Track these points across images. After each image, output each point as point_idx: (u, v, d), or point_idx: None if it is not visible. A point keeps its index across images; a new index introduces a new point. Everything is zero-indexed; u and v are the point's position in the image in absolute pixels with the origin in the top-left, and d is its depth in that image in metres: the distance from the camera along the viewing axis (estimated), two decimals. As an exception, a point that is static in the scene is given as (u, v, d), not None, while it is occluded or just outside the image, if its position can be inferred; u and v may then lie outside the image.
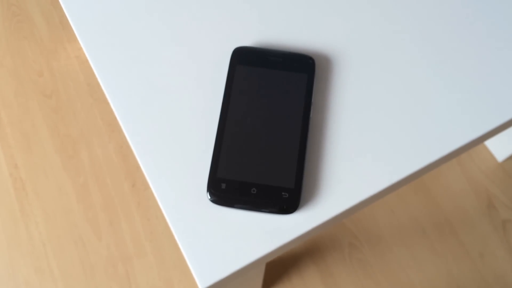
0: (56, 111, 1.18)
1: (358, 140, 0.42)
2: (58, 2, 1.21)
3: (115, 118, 1.11)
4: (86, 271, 1.04)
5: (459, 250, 1.06)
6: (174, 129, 0.42)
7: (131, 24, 0.46)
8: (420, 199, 1.11)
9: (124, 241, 1.07)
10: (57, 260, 1.05)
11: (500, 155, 1.15)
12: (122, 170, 1.12)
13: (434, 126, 0.42)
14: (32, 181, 1.11)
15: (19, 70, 1.21)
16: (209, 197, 0.38)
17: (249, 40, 0.45)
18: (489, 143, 1.17)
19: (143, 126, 0.42)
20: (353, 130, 0.42)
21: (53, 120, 1.17)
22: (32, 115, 1.17)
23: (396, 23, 0.47)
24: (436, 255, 1.06)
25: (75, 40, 1.20)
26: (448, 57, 0.45)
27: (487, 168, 1.13)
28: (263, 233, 0.38)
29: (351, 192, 0.40)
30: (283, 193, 0.38)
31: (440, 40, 0.46)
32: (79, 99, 1.19)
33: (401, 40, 0.46)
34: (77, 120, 1.17)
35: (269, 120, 0.40)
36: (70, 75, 1.21)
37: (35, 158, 1.13)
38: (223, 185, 0.38)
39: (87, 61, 1.16)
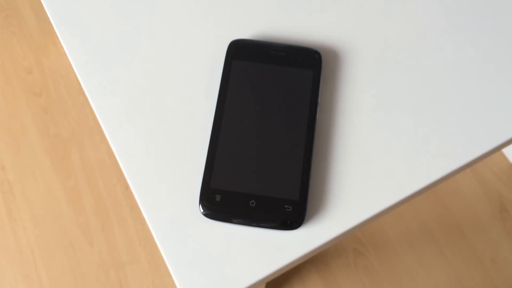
0: (46, 110, 1.18)
1: (370, 146, 0.40)
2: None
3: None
4: (76, 279, 1.05)
5: (469, 256, 1.07)
6: (162, 133, 0.40)
7: (115, 17, 0.45)
8: (429, 202, 1.11)
9: (117, 247, 1.07)
10: (46, 268, 1.05)
11: (512, 156, 1.16)
12: (114, 172, 1.13)
13: (453, 131, 0.41)
14: (20, 183, 1.12)
15: (7, 67, 1.22)
16: (202, 211, 0.36)
17: (247, 32, 0.44)
18: (501, 143, 1.16)
19: (127, 130, 0.40)
20: (364, 134, 0.40)
21: (42, 119, 1.17)
22: (21, 114, 1.18)
23: (412, 14, 0.45)
24: (446, 261, 1.07)
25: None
26: (470, 53, 0.44)
27: (499, 170, 1.14)
28: (263, 251, 0.37)
29: (362, 205, 0.38)
30: (286, 206, 0.36)
31: (462, 35, 0.44)
32: (70, 97, 1.19)
33: (418, 33, 0.44)
34: (68, 119, 1.17)
35: (270, 122, 0.39)
36: (60, 72, 1.22)
37: (23, 160, 1.14)
38: (218, 197, 0.36)
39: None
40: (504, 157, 1.16)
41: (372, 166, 0.39)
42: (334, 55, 0.43)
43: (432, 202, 1.11)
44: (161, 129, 0.40)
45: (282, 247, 0.37)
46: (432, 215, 1.10)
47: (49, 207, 1.10)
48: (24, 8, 1.28)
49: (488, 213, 1.10)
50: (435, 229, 1.09)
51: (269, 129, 0.38)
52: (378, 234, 1.08)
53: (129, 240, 1.08)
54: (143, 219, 1.10)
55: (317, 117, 0.39)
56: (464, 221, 1.09)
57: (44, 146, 1.15)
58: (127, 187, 1.12)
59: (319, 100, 0.40)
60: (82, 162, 1.14)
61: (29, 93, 1.19)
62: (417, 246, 1.08)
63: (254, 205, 0.36)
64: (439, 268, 1.06)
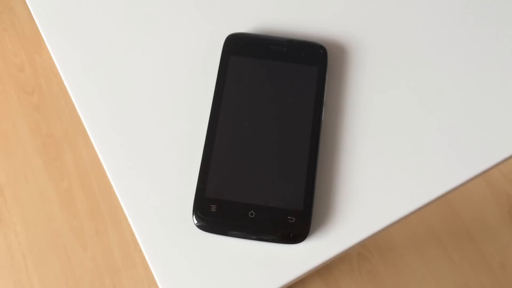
0: (38, 109, 1.19)
1: (380, 150, 0.39)
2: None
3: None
4: (70, 285, 1.06)
5: (478, 260, 1.08)
6: (152, 136, 0.39)
7: (103, 10, 0.44)
8: (436, 205, 1.12)
9: (112, 251, 1.08)
10: (39, 273, 1.06)
11: (522, 156, 1.15)
12: (109, 174, 1.15)
13: (469, 135, 0.40)
14: (11, 185, 1.13)
15: (-2, 65, 1.26)
16: (196, 222, 0.35)
17: (245, 25, 0.43)
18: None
19: (114, 131, 0.39)
20: (374, 137, 0.39)
21: (34, 119, 1.18)
22: (12, 113, 1.19)
23: (426, 5, 0.44)
24: (453, 266, 1.07)
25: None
26: (491, 50, 0.42)
27: (508, 171, 1.14)
28: (263, 267, 0.35)
29: (372, 216, 0.37)
30: (289, 217, 0.35)
31: (480, 30, 0.43)
32: (63, 96, 1.21)
33: (433, 26, 0.43)
34: (61, 119, 1.19)
35: (271, 124, 0.38)
36: (53, 70, 1.23)
37: (15, 161, 1.15)
38: (213, 207, 0.35)
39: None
40: (513, 158, 1.17)
41: (382, 172, 0.38)
42: (341, 51, 0.42)
43: (438, 204, 1.12)
44: (151, 132, 0.39)
45: (284, 262, 0.35)
46: (439, 218, 1.11)
47: (41, 210, 1.11)
48: (16, 4, 1.29)
49: (496, 216, 1.11)
50: (442, 232, 1.10)
51: (269, 132, 0.37)
52: (383, 237, 1.09)
53: (125, 244, 1.08)
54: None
55: (322, 119, 0.38)
56: (472, 224, 1.10)
57: (36, 146, 1.16)
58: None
59: (324, 99, 0.39)
60: (76, 163, 1.15)
61: (21, 92, 1.21)
62: (424, 250, 1.08)
63: (253, 216, 0.35)
64: (447, 273, 1.07)
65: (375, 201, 0.37)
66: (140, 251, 1.08)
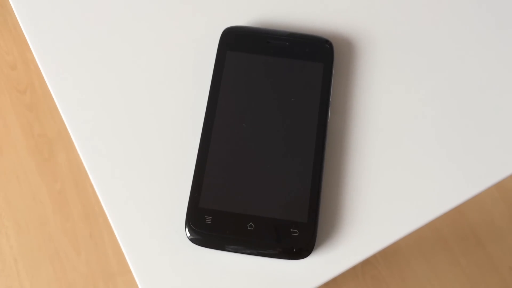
0: (31, 108, 1.20)
1: (391, 155, 0.37)
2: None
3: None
4: None
5: (486, 264, 1.07)
6: (141, 139, 0.38)
7: (90, 4, 0.42)
8: None
9: (106, 256, 1.08)
10: (30, 278, 1.06)
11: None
12: (104, 175, 1.16)
13: (486, 141, 0.38)
14: (3, 187, 1.13)
15: (-11, 62, 1.27)
16: (188, 235, 0.34)
17: (243, 17, 0.42)
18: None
19: (100, 135, 0.38)
20: (385, 141, 0.38)
21: (27, 118, 1.19)
22: (4, 112, 1.19)
23: None
24: (461, 270, 1.07)
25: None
26: (508, 53, 0.40)
27: None
28: (264, 286, 0.34)
29: (382, 228, 0.36)
30: (292, 230, 0.34)
31: (498, 25, 0.41)
32: None
33: (448, 20, 0.41)
34: (54, 118, 1.19)
35: (272, 127, 0.37)
36: None
37: (6, 161, 1.15)
38: (208, 219, 0.34)
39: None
40: (521, 158, 1.17)
41: (393, 180, 0.37)
42: (348, 45, 0.41)
43: (445, 207, 1.13)
44: (140, 134, 0.38)
45: (287, 280, 0.34)
46: (446, 221, 1.10)
47: (34, 212, 1.11)
48: (8, 1, 1.29)
49: (505, 218, 1.11)
50: (449, 236, 1.10)
51: (270, 135, 0.36)
52: (387, 241, 1.10)
53: (120, 248, 1.08)
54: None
55: (328, 120, 0.37)
56: (480, 227, 1.10)
57: (29, 146, 1.16)
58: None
59: (330, 99, 0.37)
60: (69, 164, 1.15)
61: (13, 90, 1.21)
62: (430, 254, 1.08)
63: (252, 228, 0.34)
64: (454, 278, 1.07)
65: (386, 213, 0.36)
66: (136, 255, 1.10)
